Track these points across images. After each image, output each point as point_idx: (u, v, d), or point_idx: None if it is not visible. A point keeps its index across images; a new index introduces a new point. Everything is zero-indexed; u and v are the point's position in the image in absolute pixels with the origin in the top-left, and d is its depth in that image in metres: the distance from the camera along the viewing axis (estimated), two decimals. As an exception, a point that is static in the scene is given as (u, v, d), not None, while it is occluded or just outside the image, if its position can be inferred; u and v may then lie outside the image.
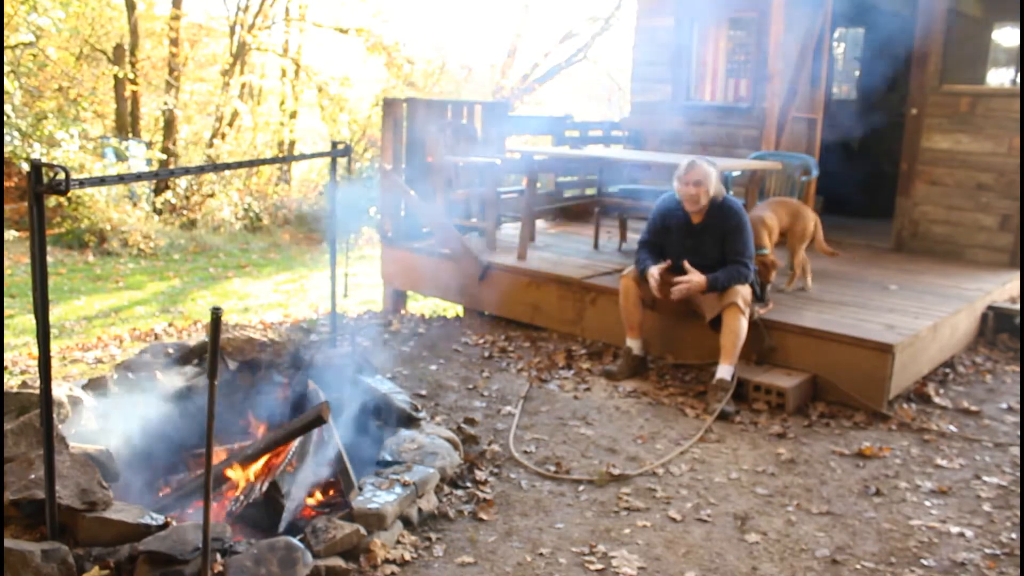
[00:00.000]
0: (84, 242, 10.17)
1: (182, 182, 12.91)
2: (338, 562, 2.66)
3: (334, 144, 4.01)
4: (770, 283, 4.98)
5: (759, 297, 4.87)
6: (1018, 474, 3.70)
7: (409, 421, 3.58)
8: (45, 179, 2.25)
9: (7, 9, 9.68)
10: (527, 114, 17.70)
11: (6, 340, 5.95)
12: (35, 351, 4.50)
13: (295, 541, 2.59)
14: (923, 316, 4.89)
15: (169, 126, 14.22)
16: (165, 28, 14.19)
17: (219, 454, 3.14)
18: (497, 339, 5.42)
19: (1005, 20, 7.01)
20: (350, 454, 3.17)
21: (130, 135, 13.49)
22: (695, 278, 4.41)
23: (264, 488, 2.95)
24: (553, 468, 3.59)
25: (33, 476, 2.58)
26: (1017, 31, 6.80)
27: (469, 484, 3.40)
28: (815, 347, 4.53)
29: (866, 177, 9.06)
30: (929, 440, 4.06)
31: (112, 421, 3.22)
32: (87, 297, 7.83)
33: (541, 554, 2.91)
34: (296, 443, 3.09)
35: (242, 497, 3.02)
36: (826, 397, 4.49)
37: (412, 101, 6.43)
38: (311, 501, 3.07)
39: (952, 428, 4.21)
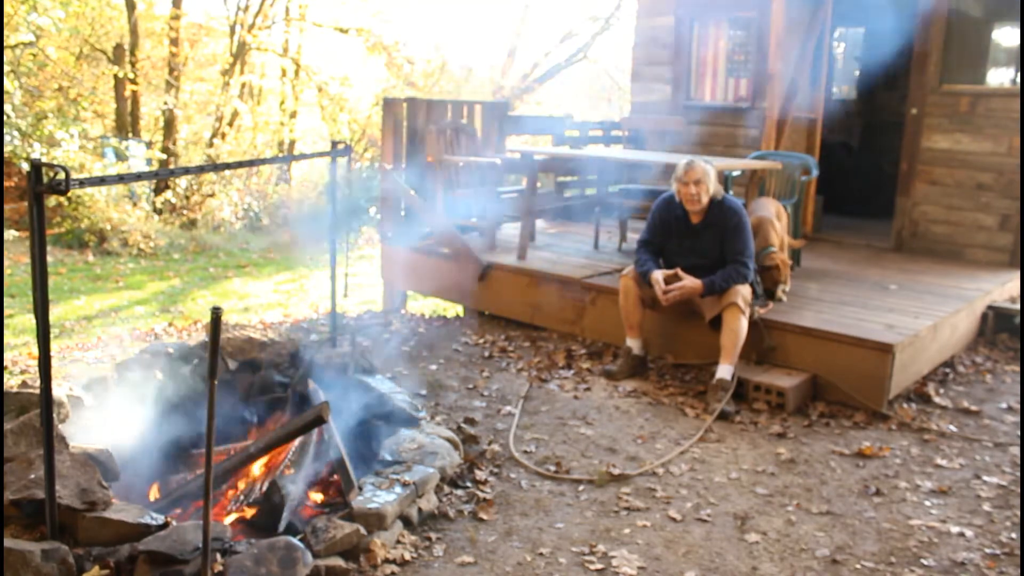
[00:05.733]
0: (84, 242, 10.16)
1: (182, 182, 12.91)
2: (338, 562, 2.66)
3: (334, 144, 4.01)
4: (782, 283, 4.96)
5: (770, 297, 4.87)
6: (1018, 474, 3.70)
7: (409, 421, 3.58)
8: (45, 179, 2.25)
9: (7, 9, 9.68)
10: (527, 114, 17.69)
11: (6, 340, 5.95)
12: (35, 351, 4.49)
13: (295, 541, 2.59)
14: (923, 316, 4.89)
15: (169, 126, 14.21)
16: (165, 28, 14.19)
17: (219, 454, 3.14)
18: (497, 339, 5.42)
19: (1005, 20, 7.01)
20: (350, 454, 3.17)
21: (130, 135, 13.48)
22: (688, 283, 4.42)
23: (264, 488, 2.95)
24: (553, 468, 3.59)
25: (33, 476, 2.59)
26: (1017, 31, 6.79)
27: (469, 484, 3.40)
28: (815, 347, 4.53)
29: (866, 177, 9.07)
30: (929, 440, 4.06)
31: (112, 421, 3.23)
32: (87, 297, 7.83)
33: (541, 554, 2.91)
34: (296, 443, 3.09)
35: (242, 497, 3.02)
36: (826, 397, 4.49)
37: (412, 101, 6.43)
38: (311, 501, 3.07)
39: (952, 428, 4.21)
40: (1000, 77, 7.18)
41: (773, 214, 5.20)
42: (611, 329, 5.14)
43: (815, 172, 6.32)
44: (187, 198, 13.12)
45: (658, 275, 4.48)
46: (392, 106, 6.34)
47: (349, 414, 3.52)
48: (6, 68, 9.96)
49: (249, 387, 3.68)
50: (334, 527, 2.72)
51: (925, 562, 2.95)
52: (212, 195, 13.34)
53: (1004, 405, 4.57)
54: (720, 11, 7.97)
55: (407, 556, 2.82)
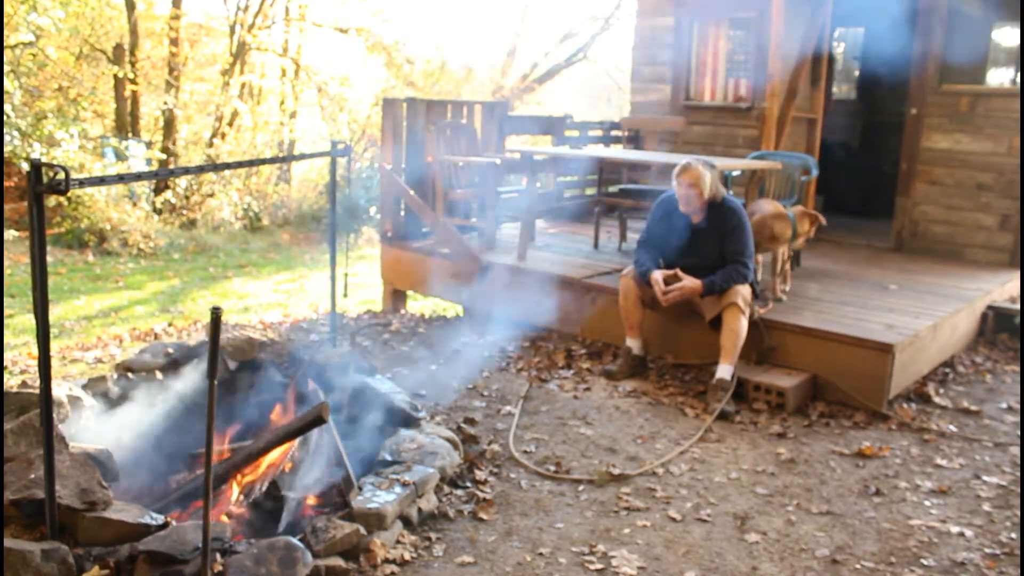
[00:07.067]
0: (84, 242, 10.16)
1: (182, 182, 12.91)
2: (338, 562, 2.66)
3: (334, 144, 4.01)
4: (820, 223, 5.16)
5: (821, 227, 5.02)
6: (1018, 474, 3.70)
7: (409, 421, 3.58)
8: (45, 179, 2.25)
9: (7, 9, 9.67)
10: (527, 114, 17.69)
11: (6, 340, 5.95)
12: (35, 351, 4.50)
13: (295, 541, 2.59)
14: (923, 316, 4.89)
15: (169, 126, 14.20)
16: (165, 28, 14.17)
17: (219, 454, 3.14)
18: (497, 339, 5.42)
19: (1005, 20, 7.01)
20: (350, 454, 3.17)
21: (130, 135, 13.47)
22: (688, 283, 4.42)
23: (264, 488, 2.95)
24: (553, 468, 3.59)
25: (33, 476, 2.58)
26: (1017, 31, 6.80)
27: (469, 484, 3.40)
28: (815, 347, 4.53)
29: (866, 177, 9.07)
30: (929, 440, 4.06)
31: (112, 421, 3.23)
32: (87, 297, 7.83)
33: (541, 554, 2.91)
34: (296, 443, 3.09)
35: (242, 497, 3.02)
36: (826, 397, 4.49)
37: (412, 101, 6.43)
38: (311, 501, 3.07)
39: (952, 428, 4.21)
40: (1000, 77, 7.18)
41: (772, 207, 5.20)
42: (611, 329, 5.14)
43: (815, 172, 6.32)
44: (187, 198, 13.12)
45: (658, 275, 4.48)
46: (392, 106, 6.34)
47: (349, 414, 3.51)
48: (6, 68, 9.96)
49: (249, 387, 3.68)
50: (334, 527, 2.72)
51: (925, 562, 2.95)
52: (212, 195, 13.34)
53: (1004, 405, 4.57)
54: (720, 11, 7.97)
55: (407, 556, 2.82)
